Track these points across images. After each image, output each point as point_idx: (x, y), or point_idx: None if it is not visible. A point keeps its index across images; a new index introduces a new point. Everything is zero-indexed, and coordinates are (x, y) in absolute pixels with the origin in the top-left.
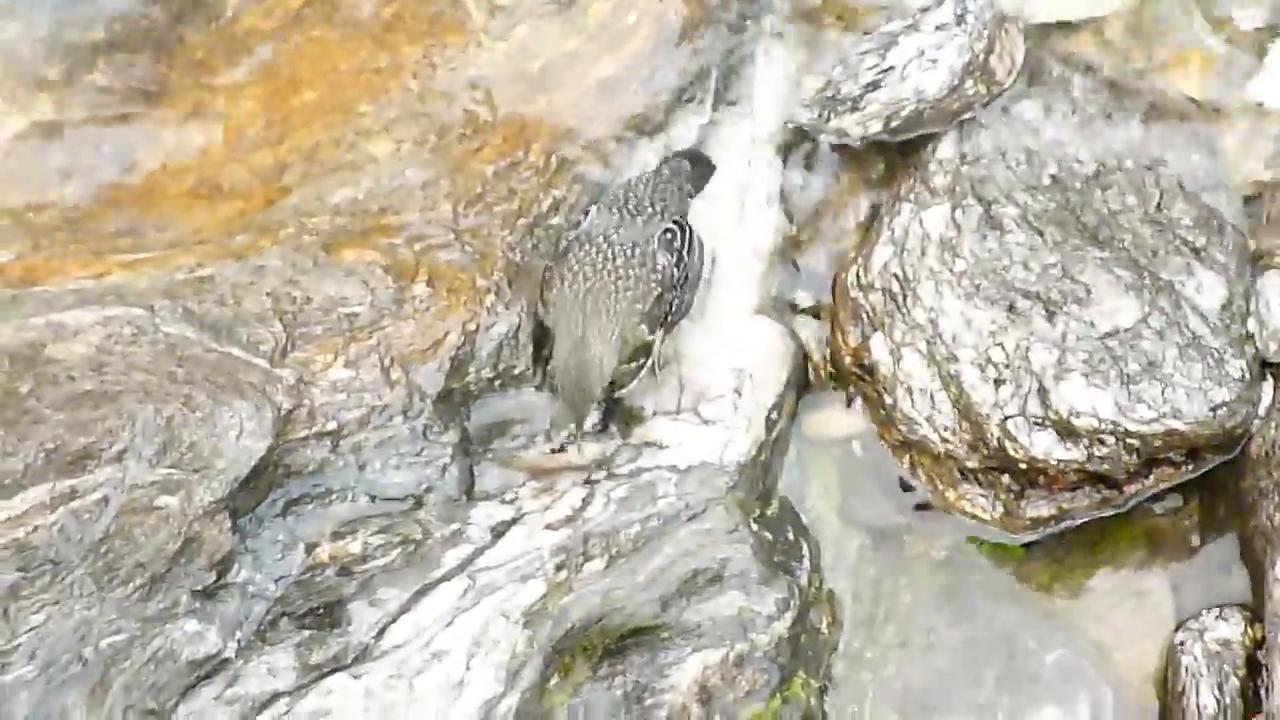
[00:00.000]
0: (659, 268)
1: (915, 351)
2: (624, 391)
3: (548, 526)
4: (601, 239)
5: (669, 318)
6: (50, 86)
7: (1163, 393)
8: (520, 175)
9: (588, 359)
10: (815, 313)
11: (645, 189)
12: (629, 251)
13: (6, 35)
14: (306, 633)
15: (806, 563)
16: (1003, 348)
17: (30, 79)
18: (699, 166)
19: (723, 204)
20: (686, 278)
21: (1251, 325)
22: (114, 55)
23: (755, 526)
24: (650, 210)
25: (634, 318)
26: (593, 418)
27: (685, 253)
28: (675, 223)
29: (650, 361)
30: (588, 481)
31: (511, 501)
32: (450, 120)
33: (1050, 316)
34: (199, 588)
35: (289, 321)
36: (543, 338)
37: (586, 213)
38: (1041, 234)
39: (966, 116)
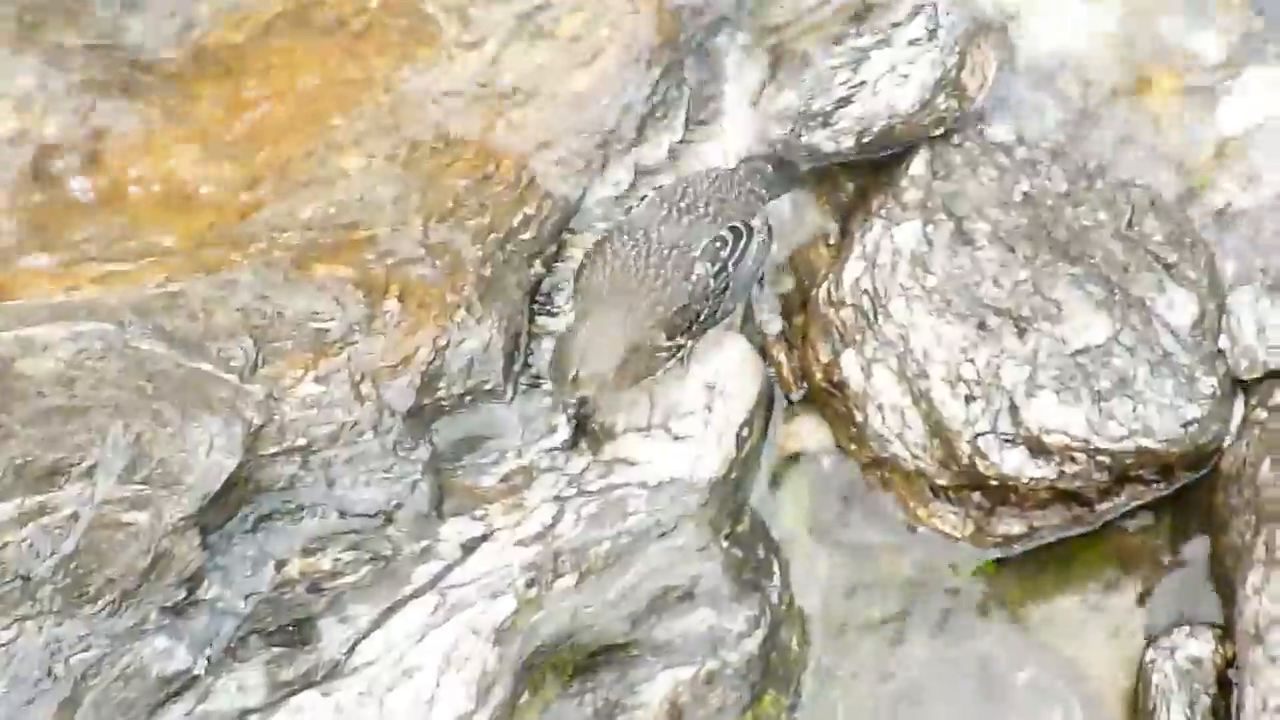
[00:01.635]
0: (693, 276)
1: (886, 368)
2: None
3: (518, 543)
4: (642, 233)
5: (694, 326)
6: (19, 97)
7: (1134, 410)
8: (491, 190)
9: (567, 350)
10: (785, 329)
11: (705, 187)
12: (665, 252)
13: None
14: (276, 649)
15: (777, 580)
16: (974, 364)
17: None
18: (781, 169)
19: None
20: (727, 287)
21: (1223, 342)
22: (86, 64)
23: (726, 543)
24: (702, 211)
25: (651, 322)
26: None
27: (732, 262)
28: (731, 228)
29: (680, 356)
30: (558, 498)
31: (482, 518)
32: (421, 134)
33: (1021, 333)
34: (169, 604)
35: (259, 336)
36: (514, 351)
37: (643, 199)
38: (1013, 250)
39: (938, 132)
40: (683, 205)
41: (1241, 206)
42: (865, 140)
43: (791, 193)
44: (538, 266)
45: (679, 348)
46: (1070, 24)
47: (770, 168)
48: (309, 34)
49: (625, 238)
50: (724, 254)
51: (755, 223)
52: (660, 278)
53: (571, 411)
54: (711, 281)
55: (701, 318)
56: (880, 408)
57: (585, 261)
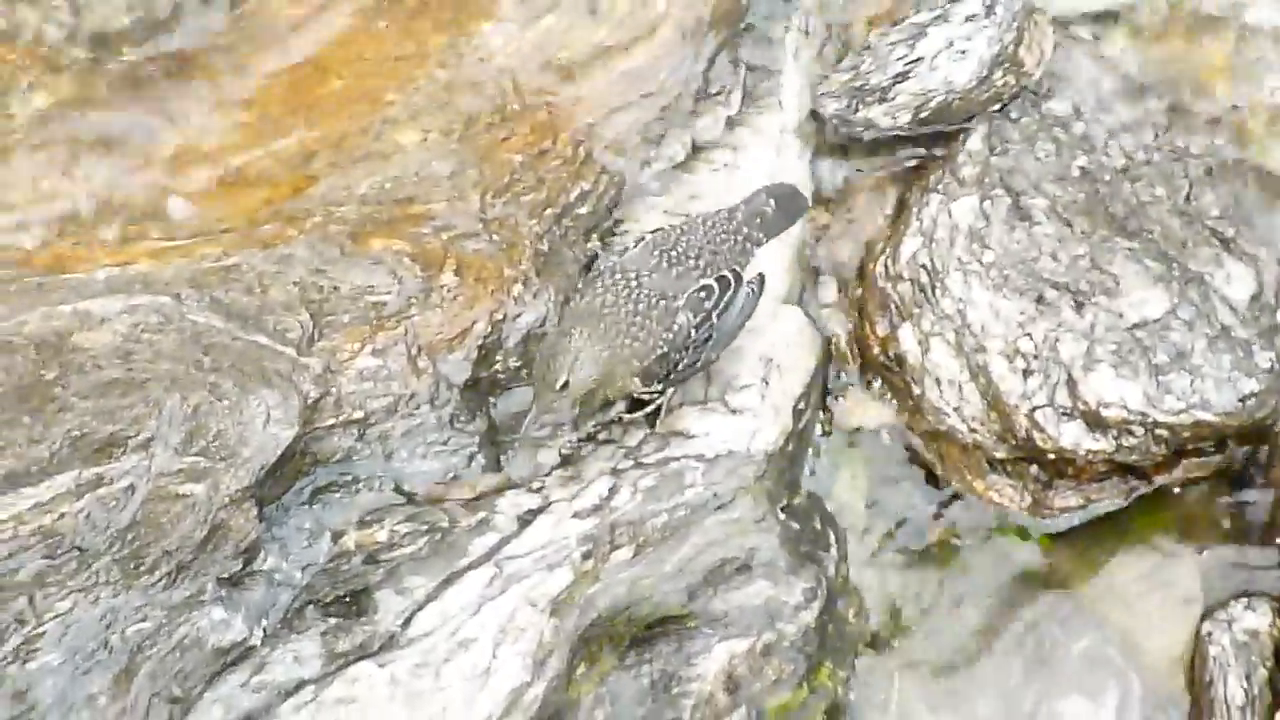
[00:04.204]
0: (674, 326)
1: (943, 342)
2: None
3: (575, 515)
4: (633, 278)
5: (671, 375)
6: (75, 70)
7: (1191, 384)
8: (548, 165)
9: (565, 345)
10: (843, 303)
11: (698, 236)
12: (651, 300)
13: (31, 17)
14: (332, 621)
15: (834, 552)
16: (1031, 338)
17: (56, 62)
18: (785, 206)
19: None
20: (710, 337)
21: None
22: (140, 40)
23: (783, 516)
24: (692, 262)
25: (628, 366)
26: (546, 418)
27: (717, 313)
28: (719, 278)
29: (652, 409)
30: (615, 471)
31: (539, 490)
32: (477, 110)
33: (1079, 307)
34: (225, 575)
35: (316, 310)
36: None
37: (639, 241)
38: (1070, 225)
39: (996, 107)
40: (674, 255)
41: None
42: (922, 115)
43: (848, 165)
44: (594, 241)
45: (657, 394)
46: None
47: (773, 205)
48: (366, 10)
49: (617, 278)
50: (708, 304)
51: (746, 272)
52: (644, 328)
53: (550, 417)
54: (693, 331)
55: (680, 366)
56: (938, 381)
57: (574, 297)
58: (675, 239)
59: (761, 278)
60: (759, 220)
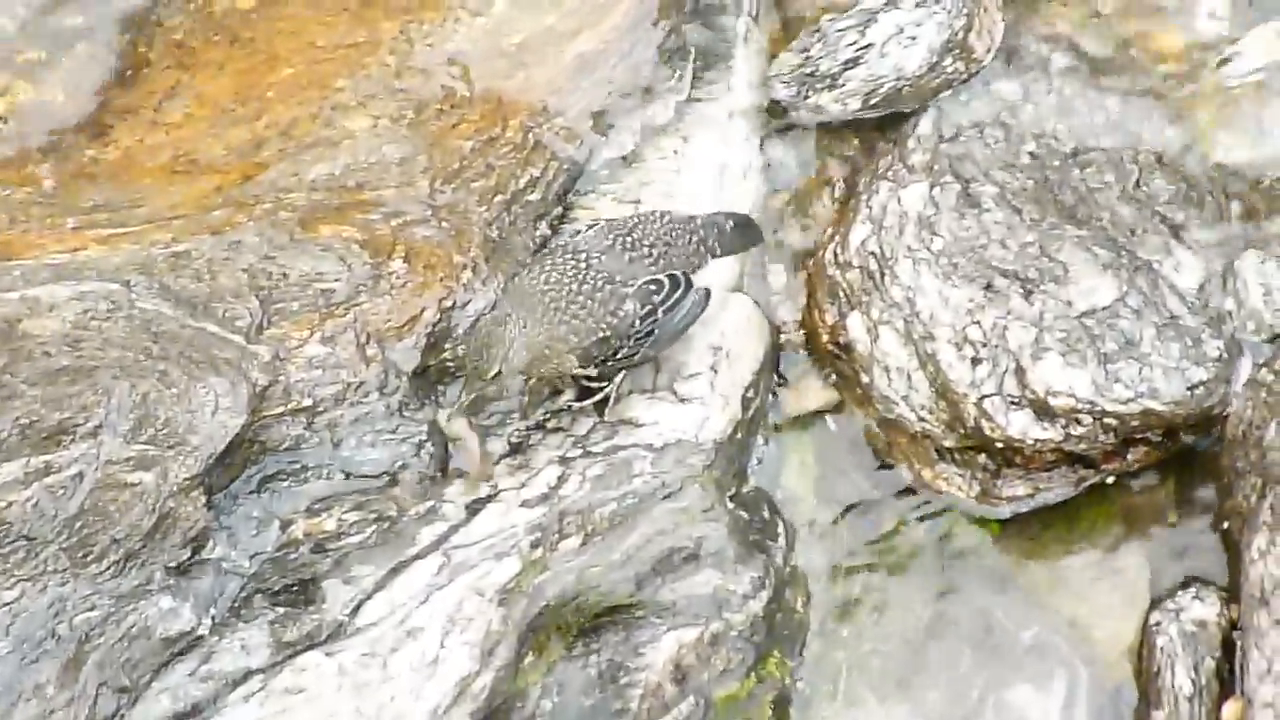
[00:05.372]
0: (620, 312)
1: (892, 330)
2: (532, 418)
3: (523, 504)
4: (583, 257)
5: (609, 362)
6: (29, 67)
7: (1140, 372)
8: (498, 151)
9: (500, 335)
10: (792, 290)
11: (656, 228)
12: (598, 282)
13: None
14: (281, 610)
15: (782, 541)
16: (980, 326)
17: (10, 60)
18: (741, 230)
19: (700, 180)
20: (652, 333)
21: (1229, 304)
22: (93, 37)
23: (731, 505)
24: (647, 251)
25: (566, 344)
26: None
27: (663, 308)
28: (670, 276)
29: (600, 398)
30: (564, 459)
31: (487, 479)
32: (428, 96)
33: (1028, 295)
34: (173, 564)
35: (265, 297)
36: None
37: (593, 224)
38: (1019, 212)
39: (945, 94)
40: (629, 241)
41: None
42: (872, 102)
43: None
44: (544, 228)
45: (589, 380)
46: None
47: (731, 225)
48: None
49: (567, 257)
50: (656, 298)
51: (698, 276)
52: (587, 307)
53: (469, 398)
54: (638, 322)
55: (619, 355)
56: (886, 370)
57: (518, 270)
58: (632, 227)
59: (708, 290)
60: (716, 232)
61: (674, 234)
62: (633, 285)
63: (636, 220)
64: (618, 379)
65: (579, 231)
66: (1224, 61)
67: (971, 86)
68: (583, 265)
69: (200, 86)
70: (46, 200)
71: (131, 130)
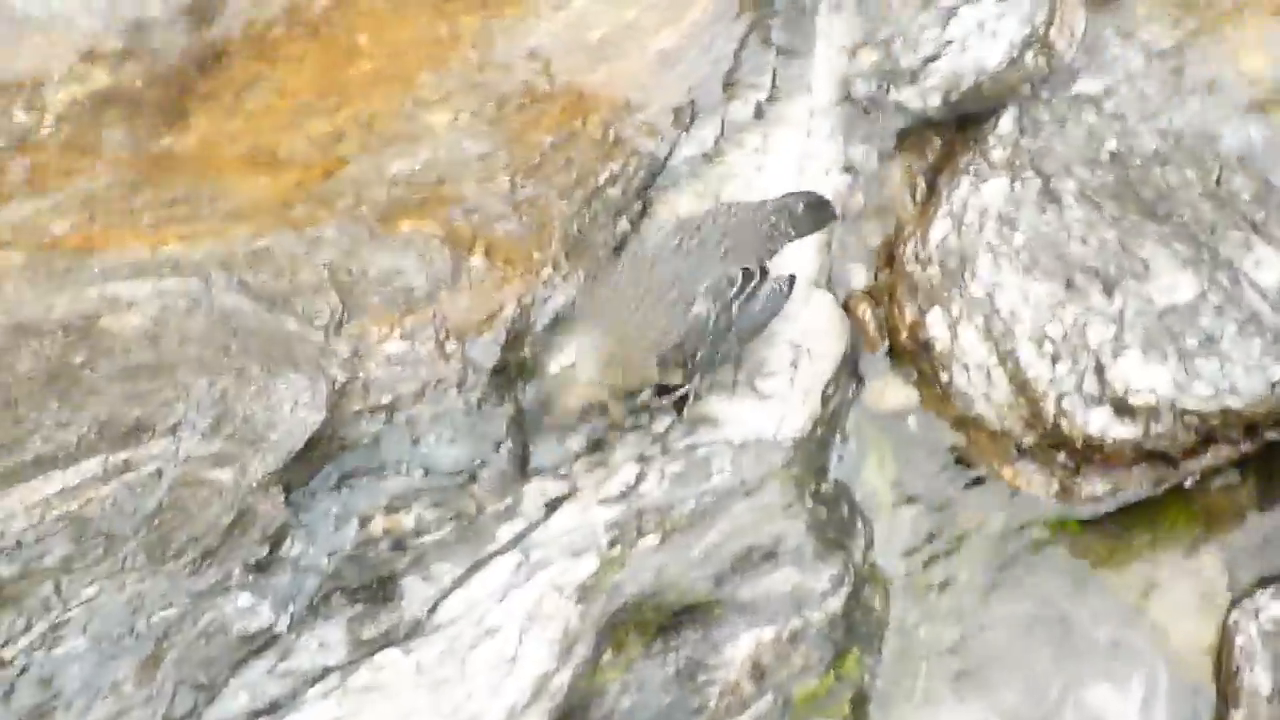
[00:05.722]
0: (692, 315)
1: (972, 327)
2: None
3: (601, 501)
4: (650, 261)
5: (690, 364)
6: (108, 57)
7: (1221, 369)
8: (578, 147)
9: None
10: (872, 287)
11: (724, 221)
12: (666, 286)
13: (65, 6)
14: (359, 607)
15: (861, 539)
16: (1060, 323)
17: (88, 49)
18: (813, 211)
19: (781, 176)
20: (729, 328)
21: None
22: (171, 26)
23: (810, 502)
24: (713, 249)
25: (644, 355)
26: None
27: (738, 304)
28: (744, 269)
29: (679, 396)
30: (642, 457)
31: (565, 476)
32: (508, 91)
33: (1108, 292)
34: (252, 561)
35: (345, 293)
36: None
37: (661, 227)
38: (1100, 208)
39: (1027, 89)
40: (695, 240)
41: None
42: (953, 97)
43: (878, 147)
44: (623, 224)
45: (675, 387)
46: None
47: (802, 207)
48: None
49: (634, 261)
50: (730, 294)
51: (775, 263)
52: (657, 313)
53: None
54: (712, 322)
55: (699, 357)
56: (966, 367)
57: (596, 274)
58: (698, 225)
59: (792, 278)
60: (788, 215)
61: (743, 225)
62: (703, 284)
63: (705, 217)
64: (696, 378)
65: (648, 235)
66: None
67: (1053, 82)
68: (648, 269)
69: (280, 78)
70: (125, 191)
71: (210, 119)
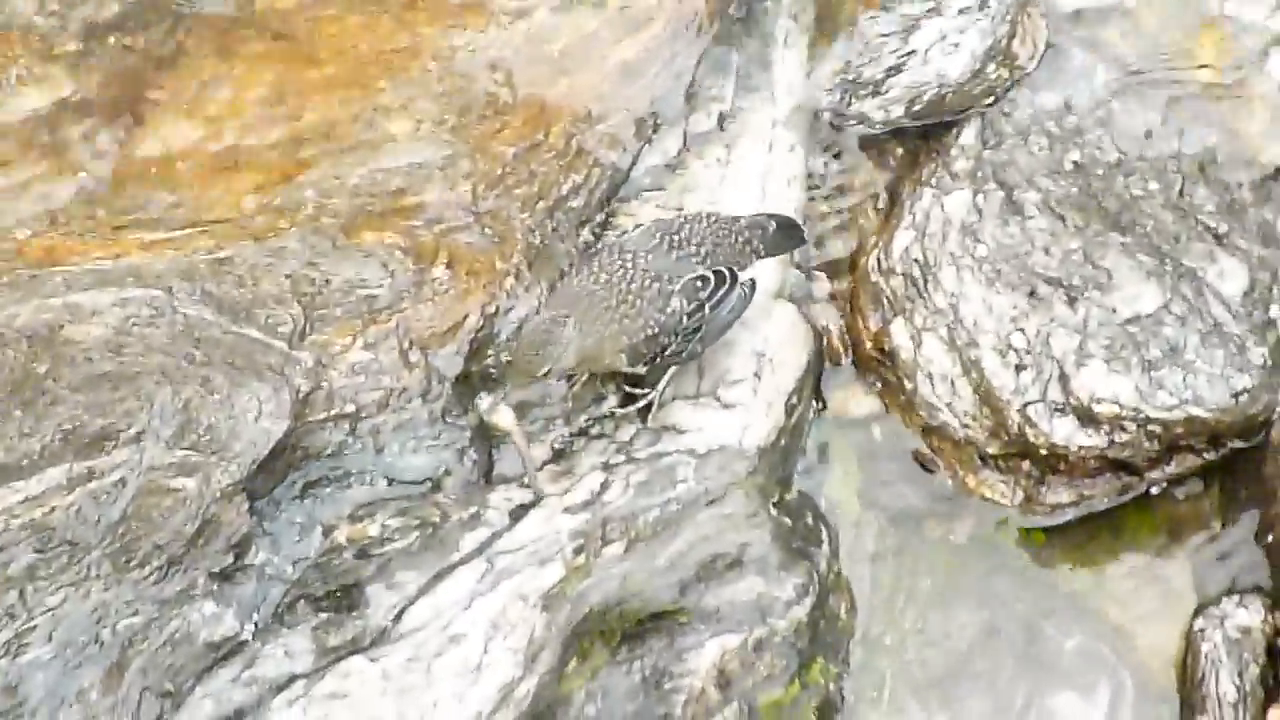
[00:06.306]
0: (668, 309)
1: (936, 337)
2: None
3: (566, 510)
4: (630, 256)
5: (658, 359)
6: (66, 60)
7: (1184, 379)
8: (540, 158)
9: (557, 335)
10: (836, 297)
11: (701, 227)
12: (646, 280)
13: (22, 8)
14: (324, 615)
15: (826, 547)
16: (1024, 333)
17: (46, 53)
18: (784, 232)
19: (743, 187)
20: (699, 328)
21: (1274, 311)
22: (130, 29)
23: (774, 511)
24: (693, 249)
25: (616, 343)
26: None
27: (709, 305)
28: (715, 271)
29: (644, 404)
30: (606, 465)
31: (529, 485)
32: (470, 101)
33: (1071, 302)
34: (216, 570)
35: (308, 303)
36: None
37: (638, 226)
38: (1063, 219)
39: (989, 101)
40: (676, 240)
41: None
42: (915, 109)
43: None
44: (586, 234)
45: (640, 394)
46: None
47: (774, 226)
48: (360, 2)
49: (615, 257)
50: (702, 295)
51: (742, 275)
52: (636, 304)
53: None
54: (685, 319)
55: (667, 352)
56: (930, 376)
57: (566, 271)
58: (679, 226)
59: (753, 282)
60: (761, 233)
61: (719, 233)
62: (679, 282)
63: (683, 220)
64: (661, 384)
65: (625, 232)
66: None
67: (1015, 93)
68: (630, 264)
69: (240, 79)
70: (87, 198)
71: (170, 121)
